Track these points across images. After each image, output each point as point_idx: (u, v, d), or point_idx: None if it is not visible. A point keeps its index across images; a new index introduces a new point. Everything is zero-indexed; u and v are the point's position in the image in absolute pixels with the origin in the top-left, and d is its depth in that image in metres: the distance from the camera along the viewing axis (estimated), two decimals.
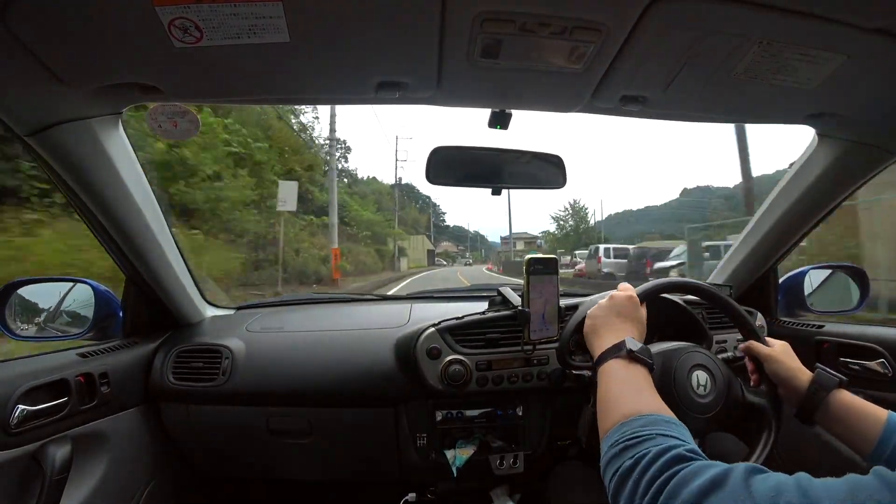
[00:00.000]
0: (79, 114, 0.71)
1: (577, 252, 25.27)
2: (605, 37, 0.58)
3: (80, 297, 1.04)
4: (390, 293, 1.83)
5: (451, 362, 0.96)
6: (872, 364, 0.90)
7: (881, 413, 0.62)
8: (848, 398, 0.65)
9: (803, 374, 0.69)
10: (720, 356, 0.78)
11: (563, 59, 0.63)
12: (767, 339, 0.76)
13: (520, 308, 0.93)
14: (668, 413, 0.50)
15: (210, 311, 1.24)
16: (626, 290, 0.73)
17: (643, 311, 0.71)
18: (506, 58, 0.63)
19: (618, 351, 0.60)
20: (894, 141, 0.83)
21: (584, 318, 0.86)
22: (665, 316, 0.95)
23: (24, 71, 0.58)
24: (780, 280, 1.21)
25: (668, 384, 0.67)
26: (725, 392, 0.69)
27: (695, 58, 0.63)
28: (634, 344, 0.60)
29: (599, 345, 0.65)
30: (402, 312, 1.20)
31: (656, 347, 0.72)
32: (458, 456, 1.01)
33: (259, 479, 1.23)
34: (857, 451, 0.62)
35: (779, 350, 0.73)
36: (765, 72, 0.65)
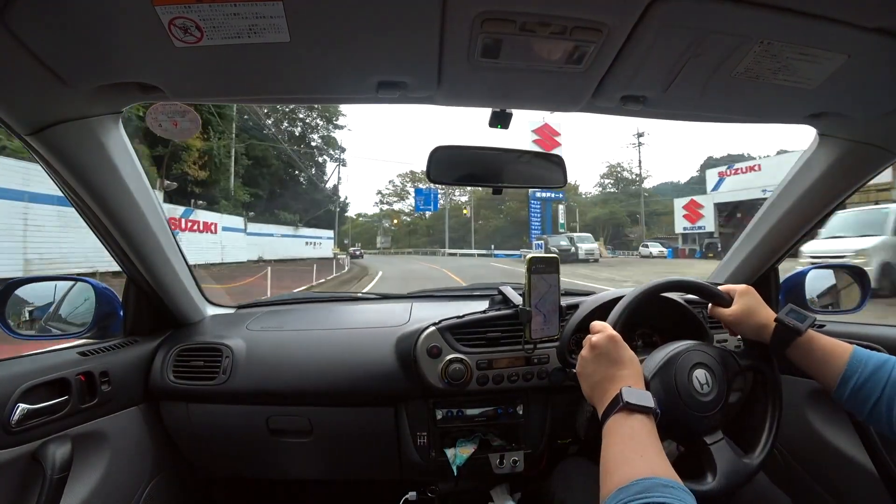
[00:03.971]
0: (79, 113, 0.71)
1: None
2: (606, 37, 0.58)
3: (81, 296, 1.04)
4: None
5: (451, 361, 0.96)
6: None
7: (844, 351, 0.64)
8: (810, 344, 0.67)
9: (768, 329, 0.71)
10: None
11: (564, 58, 0.63)
12: (728, 288, 0.78)
13: (521, 307, 0.93)
14: (667, 473, 0.49)
15: (210, 310, 1.24)
16: (602, 329, 0.68)
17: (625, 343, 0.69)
18: (506, 57, 0.63)
19: (616, 406, 0.58)
20: (894, 141, 0.83)
21: (584, 318, 0.86)
22: (665, 316, 0.95)
23: (25, 71, 0.58)
24: (782, 280, 1.21)
25: (672, 391, 0.67)
26: (724, 378, 0.70)
27: (695, 57, 0.63)
28: (631, 394, 0.57)
29: (601, 402, 0.61)
30: (403, 311, 1.20)
31: (655, 357, 0.72)
32: (459, 455, 1.01)
33: (259, 479, 1.23)
34: (824, 387, 0.66)
35: (738, 314, 0.74)
36: (765, 72, 0.65)
